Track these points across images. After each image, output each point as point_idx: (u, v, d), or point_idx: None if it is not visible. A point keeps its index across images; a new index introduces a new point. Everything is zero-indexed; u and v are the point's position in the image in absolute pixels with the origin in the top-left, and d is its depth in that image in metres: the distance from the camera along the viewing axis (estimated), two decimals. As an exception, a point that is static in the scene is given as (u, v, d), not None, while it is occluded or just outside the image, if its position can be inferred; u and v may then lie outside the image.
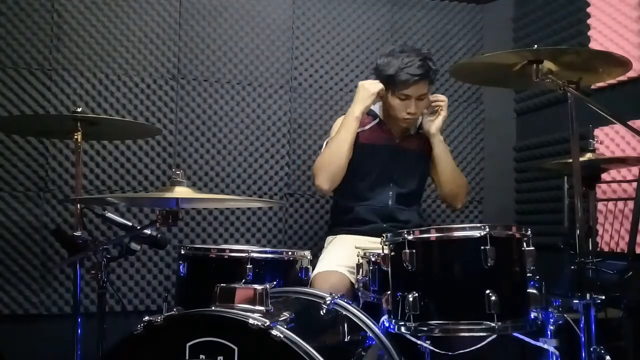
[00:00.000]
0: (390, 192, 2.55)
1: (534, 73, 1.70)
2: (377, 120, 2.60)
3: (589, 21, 2.71)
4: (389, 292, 1.65)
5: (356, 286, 2.01)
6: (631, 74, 2.15)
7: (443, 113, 2.54)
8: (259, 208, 3.03)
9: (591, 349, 1.56)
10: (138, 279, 2.87)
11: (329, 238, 2.65)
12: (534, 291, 1.58)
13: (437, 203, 3.29)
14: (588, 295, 1.56)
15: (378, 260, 1.74)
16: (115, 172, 2.87)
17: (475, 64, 1.96)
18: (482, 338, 1.55)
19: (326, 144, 2.58)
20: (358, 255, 1.97)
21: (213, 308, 1.47)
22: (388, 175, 2.56)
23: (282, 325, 1.39)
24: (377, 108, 2.61)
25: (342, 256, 2.34)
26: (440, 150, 2.57)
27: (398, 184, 2.56)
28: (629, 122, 1.77)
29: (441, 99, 2.55)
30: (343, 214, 2.61)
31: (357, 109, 2.47)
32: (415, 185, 2.62)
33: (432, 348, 1.64)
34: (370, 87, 2.47)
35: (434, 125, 2.54)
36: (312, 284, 2.19)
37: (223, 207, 2.97)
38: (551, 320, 1.63)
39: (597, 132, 2.50)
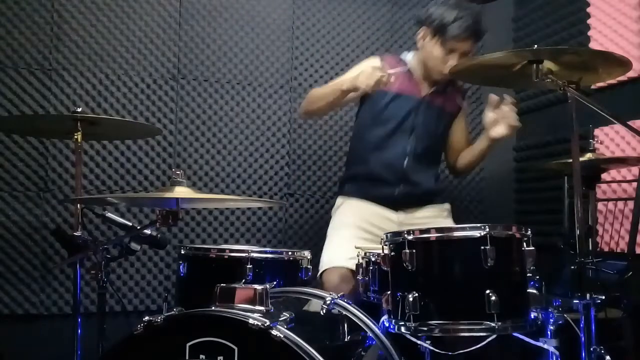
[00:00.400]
0: (408, 146, 2.49)
1: (534, 73, 1.70)
2: (407, 69, 2.54)
3: (589, 21, 2.71)
4: (389, 292, 1.64)
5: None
6: (631, 74, 2.15)
7: (509, 132, 2.39)
8: (259, 208, 3.03)
9: (591, 349, 1.56)
10: (138, 279, 2.87)
11: (339, 200, 2.61)
12: (534, 291, 1.58)
13: (437, 203, 3.29)
14: (588, 295, 1.56)
15: (378, 260, 1.74)
16: (115, 172, 2.87)
17: (475, 63, 1.96)
18: (482, 338, 1.54)
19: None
20: (358, 255, 1.97)
21: (213, 308, 1.47)
22: (409, 126, 2.49)
23: (282, 325, 1.39)
24: (409, 57, 2.57)
25: (347, 246, 2.25)
26: (485, 149, 2.52)
27: (417, 138, 2.50)
28: (629, 122, 1.77)
29: (514, 123, 2.36)
30: (357, 164, 2.58)
31: (347, 84, 2.35)
32: (435, 142, 2.59)
33: (432, 348, 1.63)
34: (370, 76, 2.27)
35: (496, 133, 2.39)
36: (322, 278, 2.31)
37: (223, 207, 2.97)
38: (551, 320, 1.63)
39: (597, 132, 2.50)
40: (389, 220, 2.50)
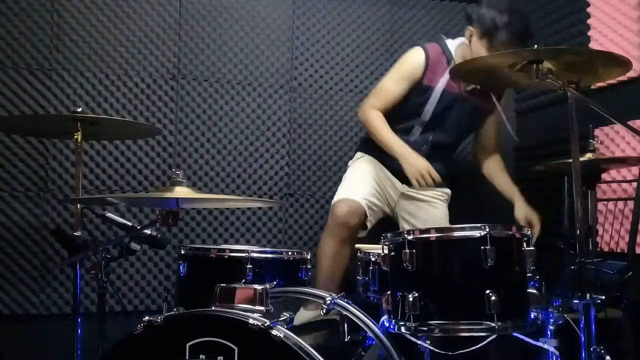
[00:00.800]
0: (434, 136, 2.62)
1: (534, 73, 1.70)
2: (452, 64, 2.59)
3: (589, 21, 2.71)
4: (389, 292, 1.65)
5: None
6: (631, 74, 2.15)
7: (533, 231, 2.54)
8: (259, 208, 3.03)
9: (591, 349, 1.56)
10: (138, 279, 2.87)
11: (359, 154, 2.77)
12: (534, 291, 1.58)
13: (437, 203, 3.29)
14: (588, 295, 1.56)
15: (378, 260, 1.74)
16: (115, 172, 2.87)
17: (475, 63, 1.96)
18: (482, 338, 1.55)
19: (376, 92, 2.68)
20: (358, 256, 1.97)
21: (213, 308, 1.47)
22: (441, 119, 2.61)
23: (282, 325, 1.39)
24: (453, 46, 2.64)
25: (362, 188, 2.57)
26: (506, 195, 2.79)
27: (446, 130, 2.64)
28: (629, 122, 1.77)
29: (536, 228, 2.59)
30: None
31: (398, 155, 2.53)
32: (461, 137, 2.77)
33: (432, 348, 1.64)
34: (416, 167, 2.49)
35: (523, 213, 2.66)
36: (333, 210, 2.51)
37: (223, 207, 2.97)
38: (551, 320, 1.63)
39: (597, 132, 2.49)
40: (394, 187, 2.69)
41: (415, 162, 2.50)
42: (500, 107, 2.71)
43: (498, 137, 2.82)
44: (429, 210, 2.70)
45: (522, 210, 2.68)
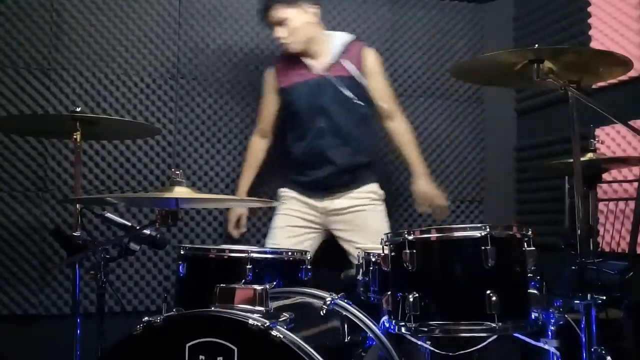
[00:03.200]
0: (322, 125, 2.62)
1: (535, 72, 1.70)
2: (290, 57, 2.69)
3: (589, 20, 2.70)
4: (389, 293, 1.64)
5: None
6: (632, 73, 2.14)
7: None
8: (259, 208, 3.02)
9: (592, 349, 1.56)
10: (137, 280, 2.86)
11: (281, 191, 2.80)
12: (535, 291, 1.57)
13: (437, 203, 3.28)
14: (589, 295, 1.56)
15: (378, 261, 1.74)
16: (114, 172, 2.86)
17: (475, 63, 1.96)
18: (483, 338, 1.54)
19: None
20: (358, 255, 1.97)
21: (212, 308, 1.47)
22: (316, 107, 2.62)
23: (282, 326, 1.39)
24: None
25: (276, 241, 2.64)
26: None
27: (328, 116, 2.62)
28: (630, 122, 1.76)
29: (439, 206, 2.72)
30: (287, 155, 2.76)
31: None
32: (348, 114, 2.65)
33: (432, 349, 1.63)
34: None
35: (422, 190, 2.71)
36: None
37: (223, 207, 2.96)
38: (552, 320, 1.63)
39: (598, 131, 2.48)
40: (314, 208, 2.70)
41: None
42: (349, 66, 2.67)
43: (385, 95, 2.77)
44: (356, 218, 2.69)
45: (420, 187, 2.70)
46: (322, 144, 2.63)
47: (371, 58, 2.72)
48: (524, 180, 3.27)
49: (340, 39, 2.71)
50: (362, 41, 2.80)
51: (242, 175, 2.86)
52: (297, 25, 2.59)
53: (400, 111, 2.83)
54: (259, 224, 3.03)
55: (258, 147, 2.86)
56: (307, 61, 2.67)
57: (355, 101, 2.64)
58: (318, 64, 2.66)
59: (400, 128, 2.79)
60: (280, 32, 2.60)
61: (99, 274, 1.86)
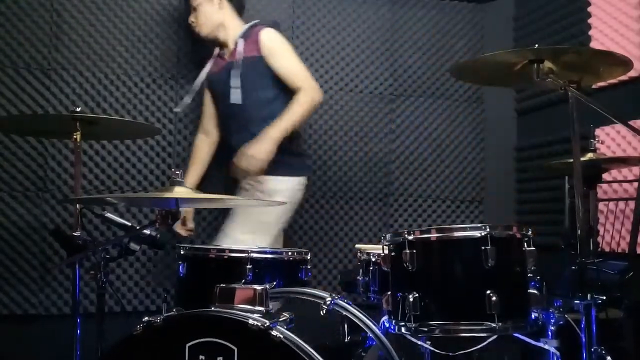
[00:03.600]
0: (230, 113, 2.66)
1: (535, 72, 1.69)
2: (216, 50, 2.78)
3: (589, 20, 2.70)
4: (389, 293, 1.64)
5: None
6: (632, 73, 2.14)
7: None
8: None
9: (592, 349, 1.56)
10: (137, 279, 2.86)
11: None
12: (535, 291, 1.57)
13: (438, 203, 3.29)
14: (589, 295, 1.56)
15: (378, 261, 1.74)
16: (114, 172, 2.86)
17: (475, 63, 1.95)
18: (483, 338, 1.54)
19: None
20: (358, 256, 1.97)
21: (212, 308, 1.47)
22: (225, 97, 2.63)
23: (281, 326, 1.39)
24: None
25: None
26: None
27: (236, 105, 2.61)
28: (630, 122, 1.76)
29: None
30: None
31: None
32: (252, 101, 2.61)
33: (432, 349, 1.63)
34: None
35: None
36: None
37: (223, 207, 2.96)
38: (552, 320, 1.62)
39: (598, 131, 2.48)
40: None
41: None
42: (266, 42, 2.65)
43: (291, 72, 2.64)
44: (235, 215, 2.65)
45: (253, 147, 2.49)
46: (232, 136, 2.68)
47: (268, 38, 2.64)
48: (524, 180, 3.27)
49: (246, 26, 2.70)
50: (263, 24, 2.71)
51: (187, 170, 2.79)
52: (206, 11, 2.68)
53: (309, 85, 2.63)
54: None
55: (199, 145, 2.84)
56: (220, 51, 2.76)
57: (252, 87, 2.61)
58: (227, 53, 2.72)
59: (294, 99, 2.60)
60: (191, 17, 2.71)
61: (99, 274, 1.86)
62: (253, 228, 2.56)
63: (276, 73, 2.62)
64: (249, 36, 2.65)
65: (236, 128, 2.65)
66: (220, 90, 2.67)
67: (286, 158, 2.59)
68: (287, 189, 2.63)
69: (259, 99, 2.62)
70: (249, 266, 1.87)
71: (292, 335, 1.37)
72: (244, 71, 2.59)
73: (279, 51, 2.65)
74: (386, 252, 1.67)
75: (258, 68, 2.61)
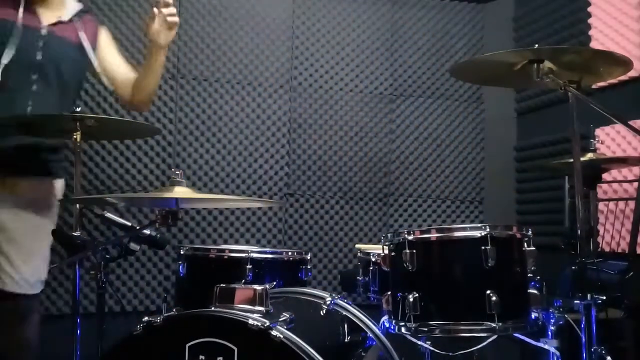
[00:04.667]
0: (35, 87, 2.11)
1: (535, 72, 1.69)
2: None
3: (589, 20, 2.71)
4: (389, 293, 1.64)
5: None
6: (632, 73, 2.15)
7: (172, 32, 2.16)
8: (259, 208, 3.02)
9: (592, 349, 1.56)
10: (137, 279, 2.86)
11: None
12: (535, 291, 1.57)
13: (438, 203, 3.29)
14: (589, 295, 1.55)
15: (378, 261, 1.74)
16: (114, 172, 2.86)
17: (475, 63, 1.95)
18: (483, 338, 1.54)
19: None
20: (358, 256, 1.97)
21: (212, 308, 1.47)
22: (32, 63, 2.09)
23: (281, 326, 1.39)
24: None
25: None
26: (160, 63, 2.22)
27: (45, 78, 2.12)
28: (630, 122, 1.76)
29: (173, 20, 2.13)
30: None
31: None
32: (72, 84, 2.23)
33: (432, 348, 1.63)
34: None
35: (165, 39, 2.14)
36: None
37: (223, 207, 2.96)
38: (552, 320, 1.63)
39: (598, 131, 2.48)
40: None
41: None
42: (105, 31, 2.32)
43: (128, 66, 2.33)
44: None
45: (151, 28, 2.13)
46: (30, 109, 2.14)
47: (106, 35, 2.32)
48: (524, 180, 3.27)
49: (74, 4, 2.25)
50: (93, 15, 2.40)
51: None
52: None
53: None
54: (259, 223, 3.04)
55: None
56: (37, 8, 2.14)
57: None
58: (49, 17, 2.16)
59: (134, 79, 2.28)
60: None
61: (99, 274, 1.85)
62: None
63: (105, 67, 2.28)
64: (85, 22, 2.23)
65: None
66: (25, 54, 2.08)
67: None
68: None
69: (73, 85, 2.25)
70: (249, 266, 1.88)
71: (292, 335, 1.37)
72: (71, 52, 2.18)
73: (115, 49, 2.35)
74: (386, 252, 1.67)
75: (79, 56, 2.22)
